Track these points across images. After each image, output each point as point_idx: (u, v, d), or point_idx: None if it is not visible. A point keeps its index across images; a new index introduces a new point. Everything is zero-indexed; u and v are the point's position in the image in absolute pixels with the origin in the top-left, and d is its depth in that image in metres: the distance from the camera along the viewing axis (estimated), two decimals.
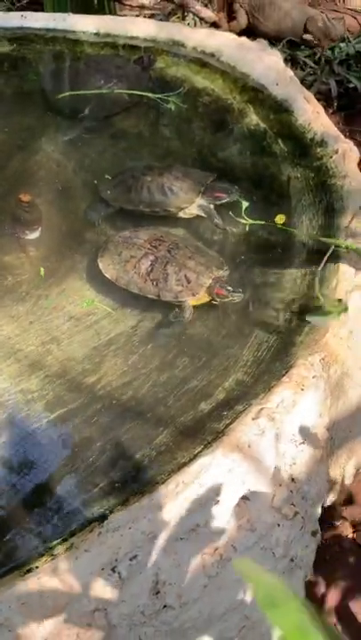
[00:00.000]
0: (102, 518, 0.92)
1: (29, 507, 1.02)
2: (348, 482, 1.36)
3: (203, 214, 1.61)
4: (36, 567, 0.85)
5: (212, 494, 0.97)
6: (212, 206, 1.61)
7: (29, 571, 0.85)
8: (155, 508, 0.92)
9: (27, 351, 1.30)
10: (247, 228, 1.55)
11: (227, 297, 1.37)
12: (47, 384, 1.25)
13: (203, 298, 1.39)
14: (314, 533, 1.13)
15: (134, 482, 1.04)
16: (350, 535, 1.48)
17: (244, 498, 1.01)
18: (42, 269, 1.46)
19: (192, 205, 1.61)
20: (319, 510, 1.16)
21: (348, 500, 1.55)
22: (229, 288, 1.38)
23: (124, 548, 0.87)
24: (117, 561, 0.86)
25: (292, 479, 1.11)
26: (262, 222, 1.53)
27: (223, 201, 1.61)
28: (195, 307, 1.39)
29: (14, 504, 1.04)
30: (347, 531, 1.49)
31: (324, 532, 1.48)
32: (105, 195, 1.63)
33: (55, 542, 0.92)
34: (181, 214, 1.62)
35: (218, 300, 1.39)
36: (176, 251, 1.42)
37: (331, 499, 1.33)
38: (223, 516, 0.98)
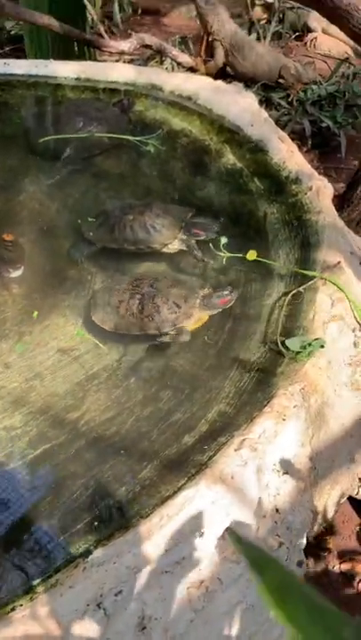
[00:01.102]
0: (87, 553, 0.92)
1: (14, 543, 1.01)
2: (331, 512, 1.37)
3: (184, 248, 1.65)
4: (21, 605, 0.84)
5: (197, 526, 0.97)
6: (192, 240, 1.65)
7: (13, 609, 0.84)
8: (139, 541, 0.92)
9: (10, 388, 1.31)
10: (224, 262, 1.58)
11: (227, 300, 1.45)
12: (31, 420, 1.25)
13: (203, 318, 1.45)
14: (300, 564, 1.13)
15: (119, 516, 1.03)
16: (337, 566, 1.48)
17: (229, 529, 1.02)
18: (35, 312, 1.48)
19: (174, 241, 1.65)
20: (304, 541, 1.16)
21: (333, 531, 1.55)
22: (225, 292, 1.45)
23: (109, 583, 0.86)
24: (102, 596, 0.85)
25: (276, 510, 1.12)
26: (240, 255, 1.57)
27: (201, 238, 1.65)
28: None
29: None
30: (333, 562, 1.49)
31: (311, 563, 1.48)
32: (88, 235, 1.67)
33: (39, 579, 0.91)
34: (164, 250, 1.66)
35: (220, 308, 1.46)
36: (157, 283, 1.47)
37: (315, 529, 1.33)
38: (208, 548, 0.98)
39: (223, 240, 1.59)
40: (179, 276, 1.58)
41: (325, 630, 0.27)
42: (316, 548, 1.50)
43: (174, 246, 1.66)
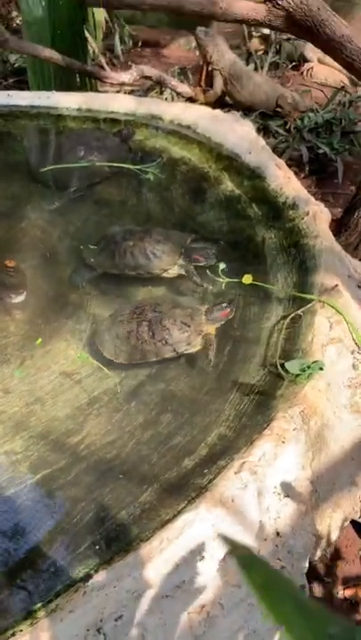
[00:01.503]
0: (87, 578, 0.92)
1: (14, 568, 1.01)
2: (334, 536, 1.36)
3: (183, 273, 1.67)
4: (21, 630, 0.84)
5: (197, 550, 0.97)
6: (192, 266, 1.67)
7: (13, 634, 0.84)
8: (139, 565, 0.92)
9: (11, 412, 1.32)
10: (223, 287, 1.61)
11: (227, 312, 1.49)
12: (32, 445, 1.25)
13: (211, 331, 1.48)
14: (302, 588, 1.13)
15: (119, 540, 1.03)
16: (341, 592, 1.46)
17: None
18: (39, 339, 1.49)
19: (174, 267, 1.68)
20: (306, 564, 1.15)
21: (337, 556, 1.53)
22: (224, 305, 1.49)
23: (110, 607, 0.86)
24: (102, 621, 0.85)
25: (277, 533, 1.11)
26: (239, 281, 1.59)
27: (201, 264, 1.68)
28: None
29: None
30: (337, 587, 1.47)
31: (314, 588, 1.46)
32: (90, 261, 1.69)
33: (39, 604, 0.91)
34: (164, 275, 1.68)
35: (223, 321, 1.50)
36: (160, 307, 1.48)
37: (318, 553, 1.32)
38: (208, 572, 0.98)
39: (222, 266, 1.61)
40: (177, 298, 1.60)
41: (312, 625, 0.28)
42: (319, 572, 1.49)
43: (173, 272, 1.69)
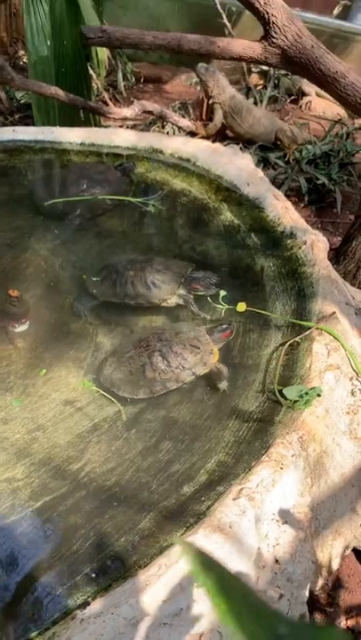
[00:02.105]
0: (85, 605, 0.92)
1: (11, 595, 1.01)
2: (335, 564, 1.35)
3: (181, 302, 1.70)
4: None
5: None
6: (190, 295, 1.70)
7: None
8: (137, 592, 0.92)
9: (13, 439, 1.33)
10: (223, 314, 1.63)
11: (228, 333, 1.53)
12: (33, 472, 1.26)
13: (216, 352, 1.50)
14: (302, 617, 1.12)
15: (118, 567, 1.03)
16: (343, 622, 1.44)
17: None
18: (44, 370, 1.50)
19: (173, 296, 1.71)
20: (306, 593, 1.15)
21: (339, 585, 1.52)
22: (224, 326, 1.53)
23: (107, 635, 0.86)
24: None
25: (276, 560, 1.11)
26: (242, 309, 1.62)
27: (201, 294, 1.71)
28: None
29: None
30: (339, 617, 1.45)
31: (316, 618, 1.44)
32: (91, 290, 1.73)
33: (36, 632, 0.91)
34: (164, 304, 1.71)
35: (224, 341, 1.54)
36: (163, 335, 1.50)
37: (320, 582, 1.31)
38: (206, 599, 0.98)
39: (222, 293, 1.64)
40: (174, 324, 1.62)
41: (263, 626, 0.29)
42: (321, 602, 1.47)
43: (173, 301, 1.71)
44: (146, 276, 1.69)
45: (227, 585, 0.31)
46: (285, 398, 1.35)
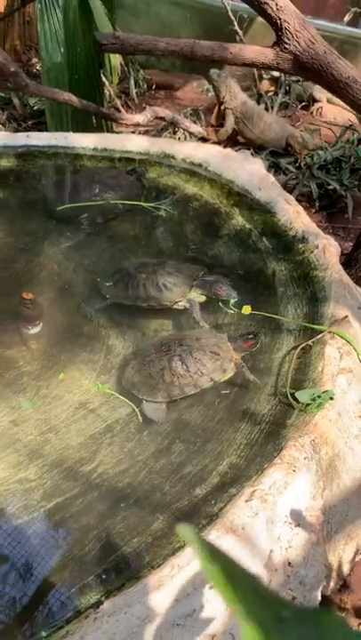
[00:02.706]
0: (98, 604, 0.92)
1: (26, 594, 1.02)
2: (346, 569, 1.34)
3: (187, 306, 1.71)
4: None
5: (207, 578, 0.97)
6: (196, 300, 1.70)
7: None
8: (150, 592, 0.92)
9: (26, 441, 1.34)
10: (235, 318, 1.64)
11: (251, 343, 1.52)
12: (45, 473, 1.27)
13: (237, 359, 1.49)
14: None
15: (130, 568, 1.04)
16: (356, 627, 1.43)
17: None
18: (62, 374, 1.51)
19: (185, 299, 1.71)
20: (318, 595, 1.14)
21: (350, 589, 1.51)
22: (250, 336, 1.52)
23: (120, 634, 0.86)
24: None
25: (289, 563, 1.11)
26: (267, 315, 1.63)
27: (224, 298, 1.70)
28: None
29: (11, 592, 1.03)
30: (352, 622, 1.44)
31: None
32: (105, 292, 1.74)
33: (50, 630, 0.91)
34: (175, 307, 1.72)
35: (246, 351, 1.52)
36: (185, 340, 1.50)
37: (331, 585, 1.31)
38: (219, 601, 0.97)
39: (233, 299, 1.65)
40: (197, 330, 1.62)
41: (266, 610, 0.29)
42: (332, 606, 1.46)
43: (184, 304, 1.72)
44: (158, 279, 1.70)
45: (230, 571, 0.31)
46: (298, 401, 1.35)
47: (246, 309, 1.60)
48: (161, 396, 1.43)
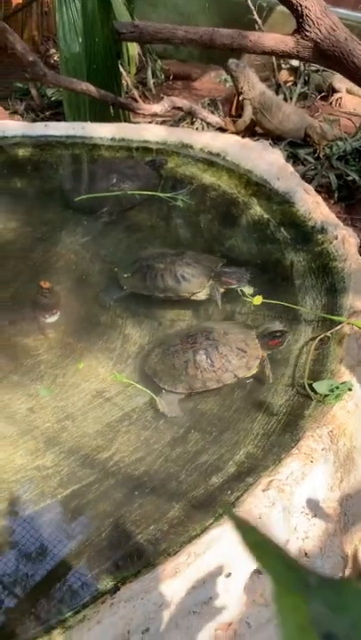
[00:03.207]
0: (114, 590, 0.92)
1: (43, 580, 1.03)
2: None
3: (209, 296, 1.70)
4: (49, 639, 0.85)
5: (224, 566, 0.97)
6: (219, 289, 1.69)
7: None
8: (167, 579, 0.92)
9: (43, 428, 1.35)
10: (252, 308, 1.63)
11: (278, 342, 1.49)
12: (62, 460, 1.28)
13: (263, 356, 1.47)
14: None
15: (146, 555, 1.04)
16: None
17: (257, 572, 1.01)
18: (82, 363, 1.51)
19: (202, 290, 1.70)
20: None
21: None
22: (277, 334, 1.49)
23: (137, 619, 0.86)
24: (130, 633, 0.85)
25: (305, 553, 1.10)
26: (278, 303, 1.63)
27: (233, 287, 1.70)
28: None
29: (29, 577, 1.04)
30: None
31: None
32: (122, 283, 1.74)
33: (68, 614, 0.92)
34: (193, 298, 1.71)
35: (273, 349, 1.50)
36: (212, 334, 1.48)
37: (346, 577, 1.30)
38: (235, 589, 0.97)
39: (249, 290, 1.63)
40: (225, 324, 1.60)
41: (294, 576, 0.32)
42: None
43: (202, 295, 1.71)
44: (176, 270, 1.69)
45: (262, 540, 0.34)
46: (316, 392, 1.34)
47: (257, 299, 1.59)
48: (182, 388, 1.42)
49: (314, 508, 1.14)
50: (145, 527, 1.11)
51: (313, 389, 1.35)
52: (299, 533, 1.11)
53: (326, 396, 1.32)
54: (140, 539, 1.08)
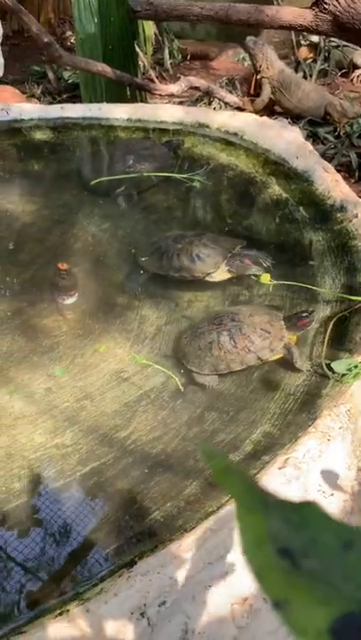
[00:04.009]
0: (131, 564, 0.94)
1: (63, 554, 1.05)
2: None
3: (228, 277, 1.68)
4: (68, 610, 0.87)
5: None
6: (242, 267, 1.67)
7: (61, 614, 0.87)
8: (182, 554, 0.93)
9: (62, 407, 1.36)
10: (270, 289, 1.62)
11: (306, 322, 1.46)
12: (81, 439, 1.29)
13: (292, 338, 1.45)
14: None
15: (163, 531, 1.05)
16: None
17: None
18: (103, 346, 1.52)
19: (218, 271, 1.69)
20: None
21: None
22: (304, 314, 1.46)
23: (153, 592, 0.88)
24: (146, 606, 0.87)
25: None
26: (288, 283, 1.60)
27: (251, 271, 1.68)
28: None
29: (49, 551, 1.06)
30: None
31: None
32: (141, 262, 1.74)
33: (86, 587, 0.94)
34: (209, 279, 1.69)
35: (301, 330, 1.47)
36: (238, 316, 1.47)
37: None
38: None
39: (266, 275, 1.62)
40: (253, 306, 1.59)
41: (257, 499, 0.34)
42: None
43: (220, 276, 1.69)
44: (192, 250, 1.68)
45: (231, 470, 0.37)
46: (333, 372, 1.33)
47: (265, 278, 1.58)
48: (208, 369, 1.42)
49: (331, 486, 1.14)
50: (162, 504, 1.12)
51: (331, 369, 1.34)
52: None
53: (344, 375, 1.31)
54: (157, 515, 1.09)
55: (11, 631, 0.89)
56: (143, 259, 1.73)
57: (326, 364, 1.37)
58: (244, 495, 0.34)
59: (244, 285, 1.69)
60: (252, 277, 1.67)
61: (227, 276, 1.69)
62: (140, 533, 1.06)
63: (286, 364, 1.43)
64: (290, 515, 0.33)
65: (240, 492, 0.34)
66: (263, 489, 0.35)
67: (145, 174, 2.16)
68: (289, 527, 0.32)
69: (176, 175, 2.16)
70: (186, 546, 0.95)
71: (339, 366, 1.34)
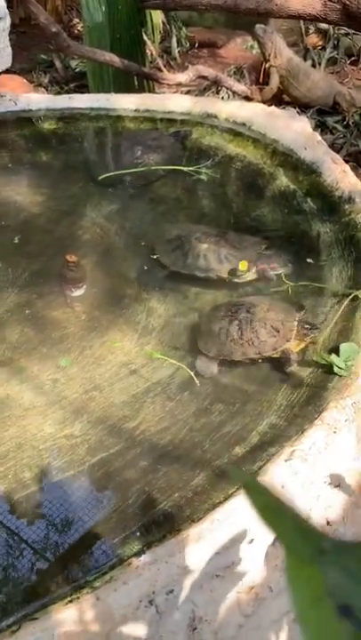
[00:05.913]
0: (140, 553, 0.96)
1: (72, 543, 1.07)
2: None
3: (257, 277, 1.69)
4: (77, 598, 0.89)
5: (246, 533, 0.99)
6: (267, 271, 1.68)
7: (71, 602, 0.89)
8: (190, 544, 0.95)
9: (71, 398, 1.38)
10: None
11: (312, 335, 1.45)
12: (90, 429, 1.31)
13: (301, 343, 1.45)
14: None
15: (171, 521, 1.07)
16: None
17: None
18: (117, 342, 1.52)
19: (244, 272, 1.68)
20: None
21: None
22: (306, 326, 1.45)
23: (161, 581, 0.90)
24: (155, 594, 0.89)
25: (328, 522, 1.12)
26: (306, 284, 1.63)
27: (273, 273, 1.67)
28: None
29: (59, 540, 1.09)
30: None
31: None
32: (162, 259, 1.74)
33: (95, 575, 0.96)
34: (235, 279, 1.69)
35: (308, 340, 1.45)
36: (254, 309, 1.49)
37: None
38: (258, 555, 1.00)
39: (284, 271, 1.63)
40: (274, 302, 1.58)
41: (308, 541, 0.30)
42: None
43: (246, 277, 1.69)
44: (219, 250, 1.68)
45: (274, 504, 0.32)
46: (338, 356, 1.34)
47: (243, 264, 1.58)
48: (213, 352, 1.45)
49: (337, 478, 1.15)
50: (170, 494, 1.14)
51: (336, 354, 1.35)
52: (321, 502, 1.12)
53: (348, 361, 1.32)
54: (165, 505, 1.11)
55: (22, 617, 0.91)
56: (161, 256, 1.73)
57: (333, 357, 1.37)
58: (295, 539, 0.30)
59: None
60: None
61: (253, 277, 1.69)
62: (148, 523, 1.08)
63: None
64: (348, 563, 0.28)
65: (290, 536, 0.30)
66: (316, 529, 0.31)
67: (152, 168, 2.16)
68: (349, 578, 0.27)
69: (182, 168, 2.16)
70: (193, 536, 0.96)
71: (344, 353, 1.35)
